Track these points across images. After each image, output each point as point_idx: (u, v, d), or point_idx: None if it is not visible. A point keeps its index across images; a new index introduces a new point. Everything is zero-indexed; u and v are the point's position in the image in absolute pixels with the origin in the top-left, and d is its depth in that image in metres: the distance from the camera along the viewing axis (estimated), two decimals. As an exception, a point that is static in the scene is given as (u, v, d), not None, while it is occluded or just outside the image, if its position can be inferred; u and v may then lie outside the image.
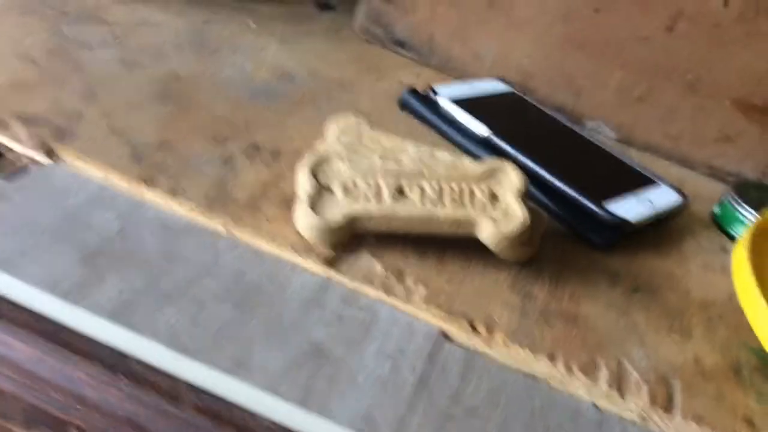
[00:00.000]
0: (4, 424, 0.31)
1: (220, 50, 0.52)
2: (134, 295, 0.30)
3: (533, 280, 0.37)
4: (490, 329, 0.33)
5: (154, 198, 0.35)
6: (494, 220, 0.35)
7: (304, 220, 0.34)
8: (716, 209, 0.50)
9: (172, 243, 0.33)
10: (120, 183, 0.35)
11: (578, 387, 0.32)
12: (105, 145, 0.37)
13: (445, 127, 0.48)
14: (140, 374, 0.29)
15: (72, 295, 0.29)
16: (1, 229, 0.31)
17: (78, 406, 0.29)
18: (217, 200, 0.36)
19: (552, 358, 0.33)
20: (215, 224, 0.35)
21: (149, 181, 0.35)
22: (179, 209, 0.35)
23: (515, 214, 0.36)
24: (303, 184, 0.35)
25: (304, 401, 0.28)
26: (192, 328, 0.29)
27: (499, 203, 0.37)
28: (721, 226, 0.49)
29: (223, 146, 0.40)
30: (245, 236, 0.35)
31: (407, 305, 0.33)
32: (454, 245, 0.37)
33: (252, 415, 0.28)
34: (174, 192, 0.35)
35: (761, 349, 0.34)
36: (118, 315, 0.29)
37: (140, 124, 0.40)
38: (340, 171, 0.36)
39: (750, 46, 0.52)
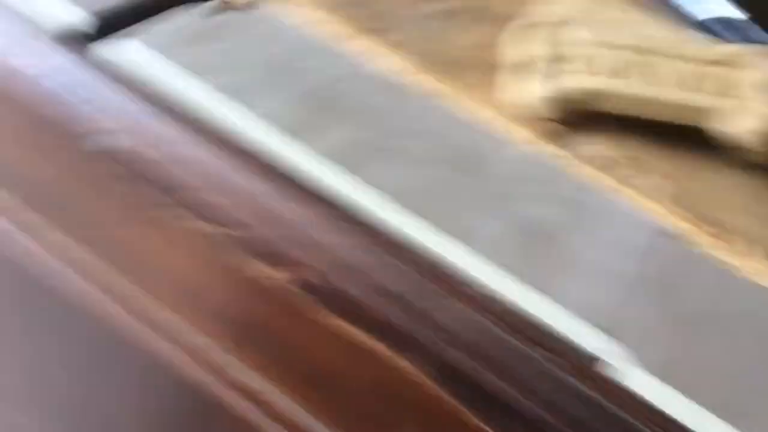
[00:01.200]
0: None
1: None
2: (357, 144, 0.28)
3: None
4: (736, 237, 0.28)
5: (365, 50, 0.32)
6: (758, 114, 0.30)
7: (533, 88, 0.30)
8: None
9: (383, 97, 0.30)
10: (326, 32, 0.33)
11: None
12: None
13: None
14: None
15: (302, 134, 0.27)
16: (219, 65, 0.29)
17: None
18: (433, 58, 0.32)
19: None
20: (429, 82, 0.31)
21: (360, 32, 0.32)
22: (388, 64, 0.32)
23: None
24: (537, 48, 0.31)
25: (526, 276, 0.24)
26: (413, 186, 0.27)
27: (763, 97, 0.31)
28: None
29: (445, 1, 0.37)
30: (460, 101, 0.31)
31: (646, 199, 0.29)
32: (694, 140, 0.32)
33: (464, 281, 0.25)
34: (387, 45, 0.32)
35: None
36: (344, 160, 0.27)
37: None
38: (578, 39, 0.32)
39: None
